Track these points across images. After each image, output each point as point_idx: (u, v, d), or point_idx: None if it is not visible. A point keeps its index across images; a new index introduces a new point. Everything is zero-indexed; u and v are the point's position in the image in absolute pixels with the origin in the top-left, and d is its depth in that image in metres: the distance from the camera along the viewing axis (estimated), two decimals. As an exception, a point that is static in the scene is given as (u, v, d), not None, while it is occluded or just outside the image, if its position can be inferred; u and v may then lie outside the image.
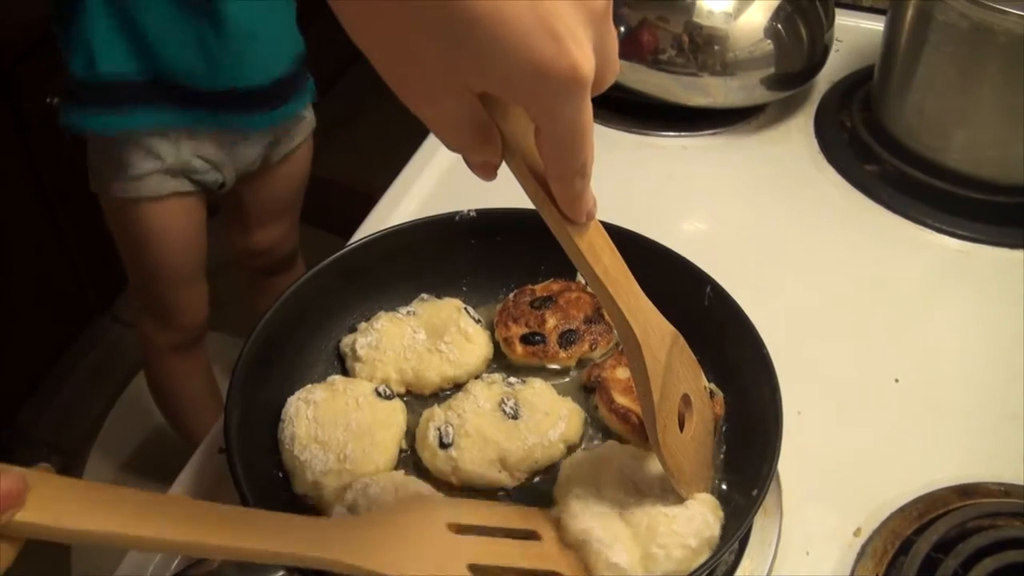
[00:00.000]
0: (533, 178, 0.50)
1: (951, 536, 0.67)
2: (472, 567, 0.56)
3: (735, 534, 0.61)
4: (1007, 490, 0.72)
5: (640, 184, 1.05)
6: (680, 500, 0.62)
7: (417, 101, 0.44)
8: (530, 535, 0.61)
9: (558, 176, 0.49)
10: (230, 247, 1.60)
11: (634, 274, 0.79)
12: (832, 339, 0.86)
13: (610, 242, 0.56)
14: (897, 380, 0.82)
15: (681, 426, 0.62)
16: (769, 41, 1.06)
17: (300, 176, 1.51)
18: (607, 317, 0.69)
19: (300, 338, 0.77)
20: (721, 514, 0.62)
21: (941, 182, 0.99)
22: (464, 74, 0.41)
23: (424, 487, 0.67)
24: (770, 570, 0.67)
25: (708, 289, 0.76)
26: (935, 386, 0.82)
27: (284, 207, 1.54)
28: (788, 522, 0.70)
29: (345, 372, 0.77)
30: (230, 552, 0.50)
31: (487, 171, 0.49)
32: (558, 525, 0.61)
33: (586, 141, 0.45)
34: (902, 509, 0.71)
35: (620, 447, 0.68)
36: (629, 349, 0.58)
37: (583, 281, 0.83)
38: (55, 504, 0.44)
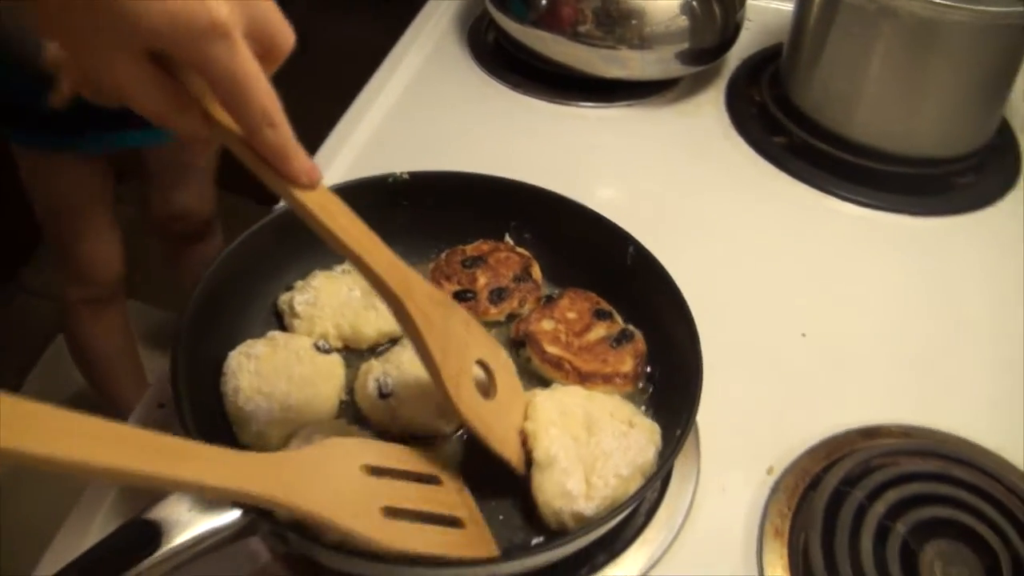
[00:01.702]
0: (242, 144, 0.53)
1: (856, 472, 0.72)
2: (385, 509, 0.58)
3: (660, 471, 0.65)
4: (907, 431, 0.78)
5: (562, 152, 1.09)
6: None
7: (99, 70, 0.49)
8: (432, 479, 0.64)
9: (246, 129, 0.52)
10: (147, 214, 1.59)
11: (560, 235, 0.85)
12: (743, 298, 0.91)
13: (349, 211, 0.58)
14: (804, 334, 0.88)
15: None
16: (684, 17, 1.10)
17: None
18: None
19: (239, 296, 0.79)
20: (659, 439, 0.67)
21: (846, 154, 1.05)
22: (122, 34, 0.47)
23: (364, 436, 0.70)
24: (690, 506, 0.72)
25: (631, 248, 0.80)
26: (839, 339, 0.88)
27: (192, 168, 1.54)
28: (705, 463, 0.75)
29: (283, 329, 0.79)
30: (172, 485, 0.51)
31: (198, 142, 0.54)
32: (531, 441, 0.64)
33: (252, 88, 0.49)
34: (811, 449, 0.76)
35: (577, 389, 0.71)
36: (389, 302, 0.60)
37: (511, 241, 0.87)
38: (16, 427, 0.43)
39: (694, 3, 1.10)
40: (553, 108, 1.16)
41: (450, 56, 1.22)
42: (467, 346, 0.64)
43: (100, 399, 1.69)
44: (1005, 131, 1.12)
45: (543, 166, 0.92)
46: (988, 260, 0.98)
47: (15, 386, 1.93)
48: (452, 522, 0.61)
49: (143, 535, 0.55)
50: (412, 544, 0.57)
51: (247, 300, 0.80)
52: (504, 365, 0.67)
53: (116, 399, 1.66)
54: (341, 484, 0.58)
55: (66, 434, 0.45)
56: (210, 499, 0.55)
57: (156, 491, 0.53)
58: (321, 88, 1.24)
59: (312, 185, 0.55)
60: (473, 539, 0.61)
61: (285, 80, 0.53)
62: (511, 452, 0.64)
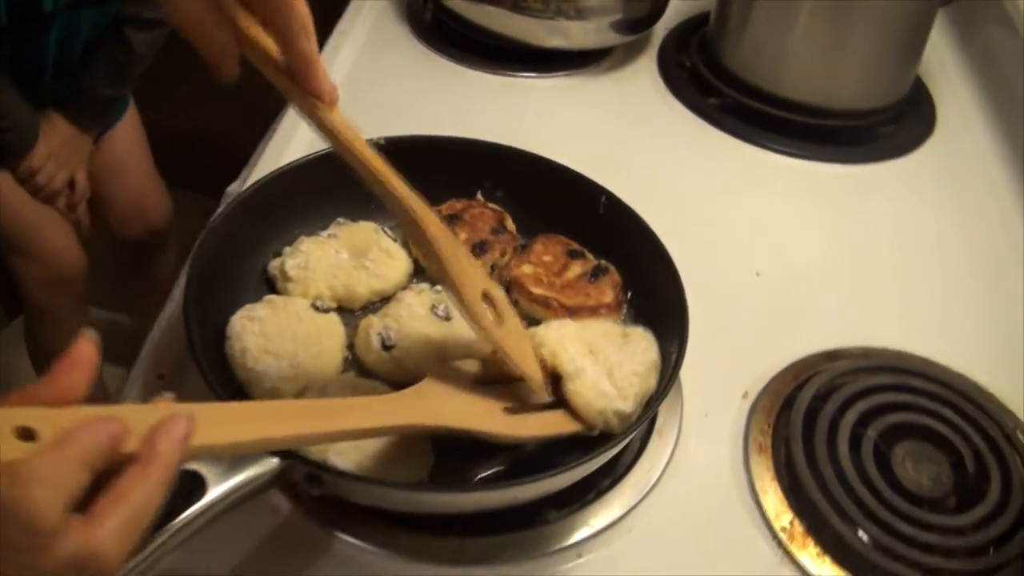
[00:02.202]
0: (271, 60, 0.58)
1: (825, 390, 0.79)
2: (505, 409, 0.67)
3: (676, 364, 0.71)
4: (864, 352, 0.85)
5: (508, 120, 1.13)
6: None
7: None
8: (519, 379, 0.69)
9: (284, 40, 0.57)
10: (100, 226, 1.58)
11: (534, 190, 0.89)
12: (697, 245, 0.95)
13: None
14: (758, 273, 0.94)
15: None
16: (619, -12, 1.16)
17: (129, 131, 1.51)
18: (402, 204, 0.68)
19: (230, 265, 0.80)
20: (654, 340, 0.73)
21: (776, 110, 1.12)
22: None
23: (377, 384, 0.73)
24: (679, 432, 0.77)
25: (603, 198, 0.85)
26: (790, 276, 0.95)
27: (129, 162, 1.54)
28: (687, 393, 0.80)
29: (276, 294, 0.81)
30: (341, 436, 0.59)
31: (226, 61, 0.58)
32: (553, 360, 0.69)
33: None
34: (780, 373, 0.83)
35: (566, 322, 0.76)
36: (411, 225, 0.65)
37: (482, 199, 0.91)
38: (209, 427, 0.48)
39: (626, -25, 1.16)
40: (496, 79, 1.20)
41: (391, 34, 1.25)
42: (477, 275, 0.68)
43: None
44: (920, 85, 1.22)
45: (492, 134, 0.95)
46: (913, 200, 1.07)
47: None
48: (552, 406, 0.68)
49: (186, 485, 0.57)
50: (539, 430, 0.67)
51: (238, 268, 0.82)
52: (504, 299, 0.72)
53: None
54: (468, 399, 0.66)
55: (246, 421, 0.53)
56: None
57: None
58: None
59: (333, 102, 0.61)
60: (569, 416, 0.68)
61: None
62: (534, 371, 0.68)
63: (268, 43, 0.58)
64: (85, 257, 1.52)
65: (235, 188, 1.13)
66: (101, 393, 1.73)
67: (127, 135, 1.53)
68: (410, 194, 0.65)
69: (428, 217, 0.65)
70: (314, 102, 0.60)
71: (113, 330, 1.92)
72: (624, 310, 0.82)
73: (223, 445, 0.51)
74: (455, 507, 0.66)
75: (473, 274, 0.67)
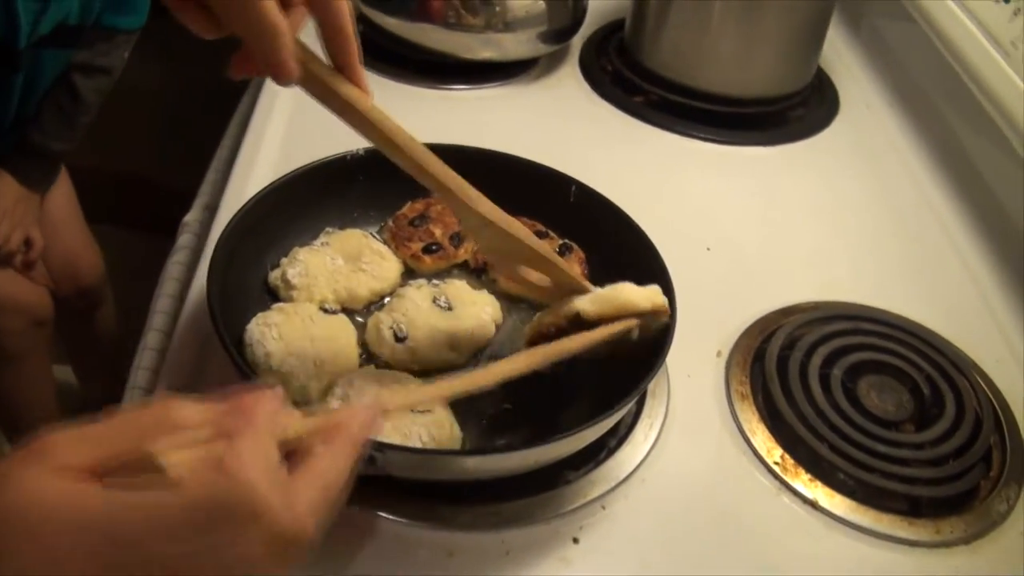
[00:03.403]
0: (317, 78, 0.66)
1: (789, 340, 0.89)
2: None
3: (662, 351, 0.78)
4: (815, 305, 0.95)
5: (448, 130, 1.15)
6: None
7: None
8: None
9: (341, 15, 0.64)
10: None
11: (507, 186, 0.95)
12: (650, 229, 1.05)
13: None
14: (708, 248, 1.04)
15: None
16: (541, 2, 1.24)
17: (61, 189, 1.51)
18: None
19: (234, 280, 0.84)
20: None
21: (696, 101, 1.23)
22: None
23: (398, 373, 0.79)
24: (668, 392, 0.85)
25: (573, 188, 0.93)
26: (737, 247, 1.04)
27: (55, 214, 1.53)
28: (668, 358, 0.88)
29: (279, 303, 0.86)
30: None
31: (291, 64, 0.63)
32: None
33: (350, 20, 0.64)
34: (746, 331, 0.92)
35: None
36: (457, 198, 0.72)
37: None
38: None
39: (548, -12, 1.25)
40: (432, 92, 1.26)
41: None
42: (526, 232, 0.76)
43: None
44: (821, 73, 1.35)
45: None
46: (829, 171, 1.19)
47: None
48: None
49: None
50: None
51: (241, 283, 0.85)
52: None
53: None
54: None
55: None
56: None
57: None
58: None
59: (368, 90, 0.69)
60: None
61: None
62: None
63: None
64: (50, 297, 1.50)
65: (192, 218, 1.16)
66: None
67: (59, 193, 1.52)
68: (460, 183, 0.72)
69: (476, 196, 0.72)
70: (358, 96, 0.67)
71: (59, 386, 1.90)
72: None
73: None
74: (501, 468, 0.72)
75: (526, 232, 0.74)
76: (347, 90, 0.66)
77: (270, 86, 1.22)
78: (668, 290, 0.81)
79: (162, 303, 1.01)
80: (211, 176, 1.25)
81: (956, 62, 1.12)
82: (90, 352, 1.71)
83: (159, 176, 1.51)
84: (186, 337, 0.86)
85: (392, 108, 1.21)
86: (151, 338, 0.95)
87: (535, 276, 0.77)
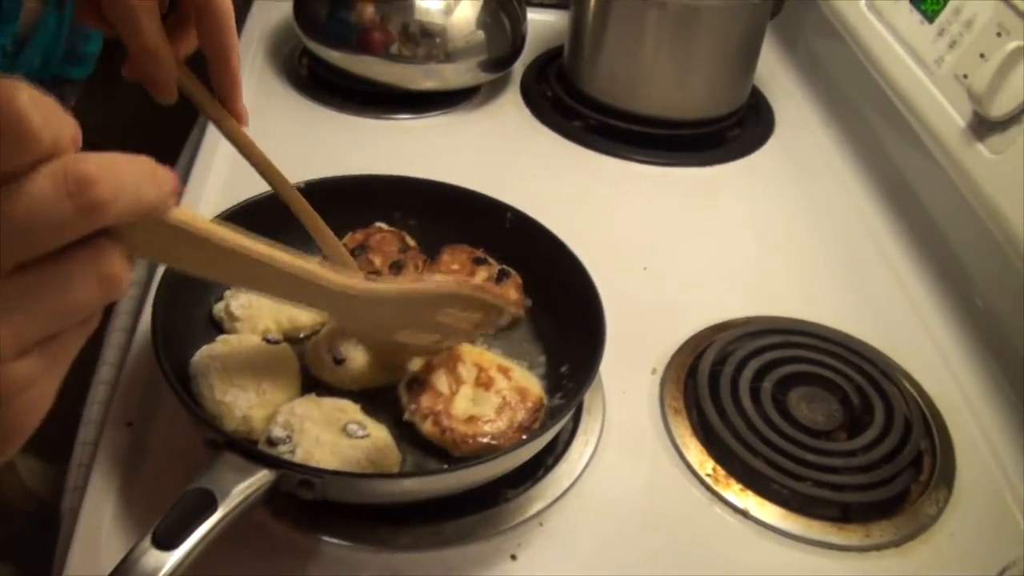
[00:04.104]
0: (198, 84, 0.71)
1: (721, 356, 0.91)
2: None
3: (584, 385, 0.80)
4: (747, 320, 0.98)
5: (391, 159, 1.21)
6: None
7: None
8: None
9: (221, 55, 0.68)
10: None
11: (443, 215, 0.98)
12: (587, 250, 1.05)
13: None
14: (645, 268, 1.06)
15: None
16: (481, 31, 1.27)
17: None
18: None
19: (180, 315, 0.86)
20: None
21: (634, 125, 1.26)
22: None
23: (337, 400, 0.80)
24: (604, 409, 0.88)
25: (508, 214, 0.95)
26: (672, 266, 1.07)
27: None
28: (604, 375, 0.90)
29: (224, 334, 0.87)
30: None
31: (169, 86, 0.67)
32: None
33: (232, 19, 0.68)
34: (680, 347, 0.95)
35: None
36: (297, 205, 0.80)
37: (380, 225, 0.99)
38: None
39: (487, 19, 1.28)
40: (376, 123, 1.28)
41: (271, 91, 1.32)
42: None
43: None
44: (757, 93, 1.39)
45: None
46: (764, 189, 1.22)
47: None
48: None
49: (201, 500, 0.64)
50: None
51: (187, 317, 0.87)
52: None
53: None
54: None
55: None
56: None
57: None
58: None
59: (246, 122, 0.74)
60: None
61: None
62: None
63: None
64: None
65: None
66: (21, 490, 1.70)
67: None
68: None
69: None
70: (235, 127, 0.73)
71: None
72: (524, 310, 0.93)
73: (197, 234, 0.43)
74: (438, 488, 0.74)
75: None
76: (224, 119, 0.73)
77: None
78: (598, 311, 0.83)
79: (115, 337, 1.02)
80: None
81: (883, 80, 1.16)
82: None
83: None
84: (136, 370, 0.88)
85: (338, 139, 1.26)
86: (104, 372, 0.97)
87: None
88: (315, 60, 1.31)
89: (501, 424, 0.79)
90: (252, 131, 0.75)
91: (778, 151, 1.30)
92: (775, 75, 1.47)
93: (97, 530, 0.75)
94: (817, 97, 1.42)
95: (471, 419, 0.80)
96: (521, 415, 0.80)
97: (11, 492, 1.72)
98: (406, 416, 0.80)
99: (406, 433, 0.80)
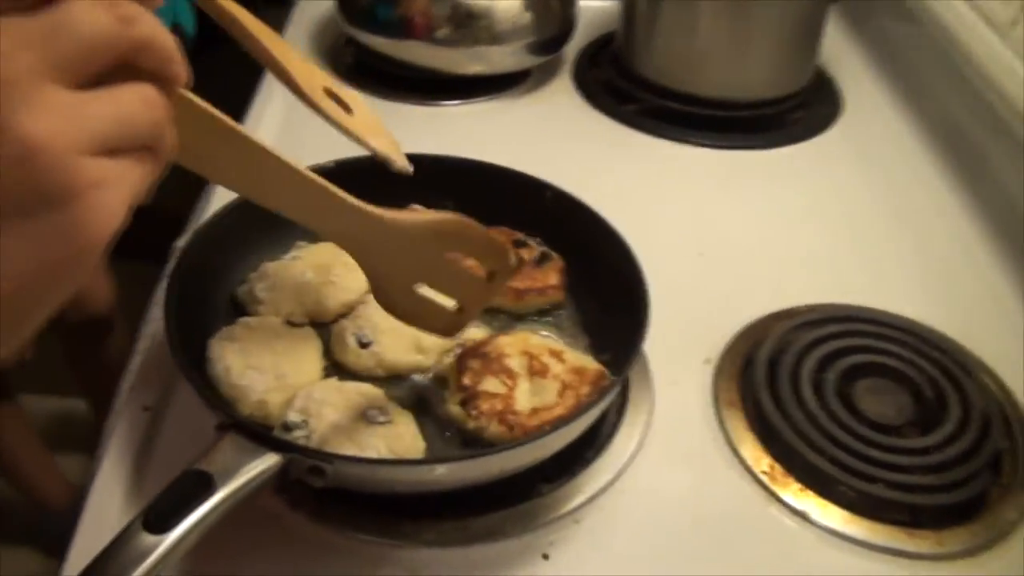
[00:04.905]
0: None
1: (780, 345, 0.84)
2: None
3: (628, 362, 0.74)
4: (810, 308, 0.90)
5: (439, 146, 1.14)
6: None
7: None
8: None
9: None
10: None
11: (480, 196, 0.92)
12: (641, 236, 1.00)
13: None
14: (701, 254, 1.00)
15: None
16: (528, 12, 1.22)
17: None
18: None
19: (198, 294, 0.82)
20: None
21: (692, 107, 1.19)
22: None
23: (360, 384, 0.75)
24: (653, 400, 0.81)
25: (548, 192, 0.90)
26: (730, 252, 1.00)
27: None
28: (653, 364, 0.84)
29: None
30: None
31: None
32: None
33: None
34: (737, 336, 0.87)
35: None
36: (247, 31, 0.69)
37: (416, 207, 0.93)
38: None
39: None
40: (423, 110, 1.24)
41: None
42: (315, 73, 0.72)
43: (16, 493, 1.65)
44: (822, 74, 1.31)
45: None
46: (830, 172, 1.14)
47: None
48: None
49: (198, 483, 0.59)
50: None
51: (206, 297, 0.83)
52: (352, 94, 0.75)
53: (32, 490, 1.63)
54: None
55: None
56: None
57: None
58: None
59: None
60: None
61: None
62: (390, 148, 0.76)
63: None
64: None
65: (183, 242, 1.14)
66: (63, 485, 1.71)
67: None
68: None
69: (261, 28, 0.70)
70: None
71: (69, 419, 1.90)
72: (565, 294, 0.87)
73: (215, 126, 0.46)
74: (460, 478, 0.68)
75: (310, 72, 0.70)
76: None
77: (258, 108, 1.20)
78: (642, 288, 0.77)
79: (150, 327, 0.99)
80: (202, 202, 1.23)
81: (953, 49, 1.08)
82: (101, 380, 1.70)
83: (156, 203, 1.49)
84: (157, 356, 0.84)
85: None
86: (134, 362, 0.94)
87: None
88: (359, 48, 1.27)
89: (569, 405, 0.73)
90: (297, 124, 0.70)
91: (845, 133, 1.22)
92: (843, 57, 1.39)
93: (105, 516, 0.71)
94: (888, 79, 1.33)
95: (535, 411, 0.73)
96: (585, 390, 0.74)
97: (52, 486, 1.72)
98: (471, 425, 0.73)
99: (433, 423, 0.75)
